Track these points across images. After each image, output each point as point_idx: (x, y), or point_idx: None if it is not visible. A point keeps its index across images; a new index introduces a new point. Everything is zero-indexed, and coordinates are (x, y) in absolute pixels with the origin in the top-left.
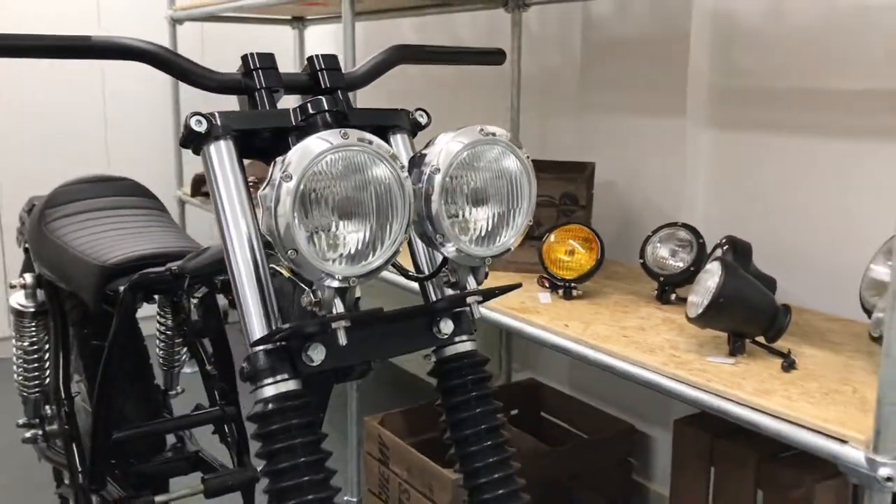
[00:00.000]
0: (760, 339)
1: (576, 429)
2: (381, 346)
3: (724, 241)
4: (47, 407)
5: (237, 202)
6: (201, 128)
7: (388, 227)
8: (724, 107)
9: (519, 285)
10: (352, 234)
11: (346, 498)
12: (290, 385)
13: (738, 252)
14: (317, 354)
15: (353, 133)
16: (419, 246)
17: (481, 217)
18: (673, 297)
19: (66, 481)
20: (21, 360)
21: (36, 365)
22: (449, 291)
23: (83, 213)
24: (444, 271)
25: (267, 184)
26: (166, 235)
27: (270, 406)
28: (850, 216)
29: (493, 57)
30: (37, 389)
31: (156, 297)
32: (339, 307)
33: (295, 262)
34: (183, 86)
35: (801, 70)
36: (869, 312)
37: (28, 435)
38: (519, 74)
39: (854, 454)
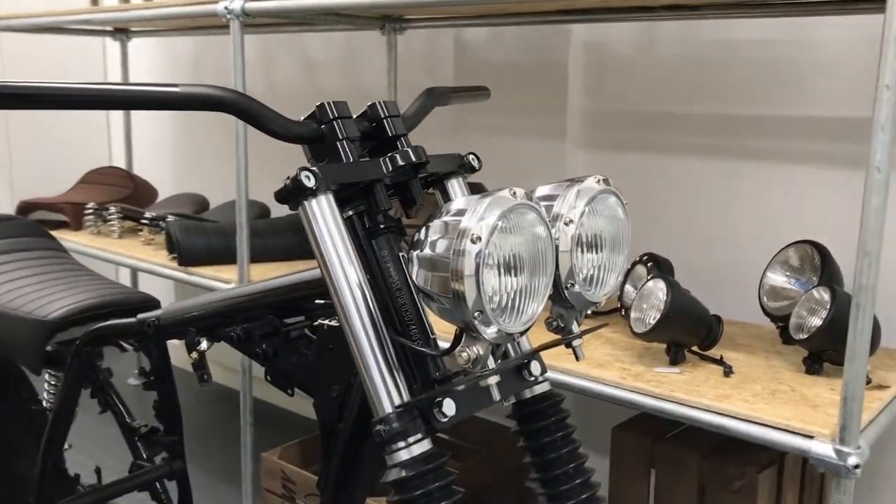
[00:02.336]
0: (694, 347)
1: (462, 441)
2: (486, 395)
3: (644, 257)
4: None
5: (345, 258)
6: (311, 183)
7: (539, 280)
8: (601, 130)
9: (606, 324)
10: (505, 291)
11: None
12: (425, 445)
13: (661, 268)
14: (449, 409)
15: (519, 192)
16: None
17: (589, 262)
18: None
19: None
20: None
21: None
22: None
23: None
24: (551, 315)
25: (429, 245)
26: (94, 282)
27: (407, 472)
28: (719, 227)
29: (481, 94)
30: None
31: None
32: (491, 363)
33: (480, 321)
34: None
35: (668, 96)
36: (772, 317)
37: None
38: (395, 98)
39: (823, 447)
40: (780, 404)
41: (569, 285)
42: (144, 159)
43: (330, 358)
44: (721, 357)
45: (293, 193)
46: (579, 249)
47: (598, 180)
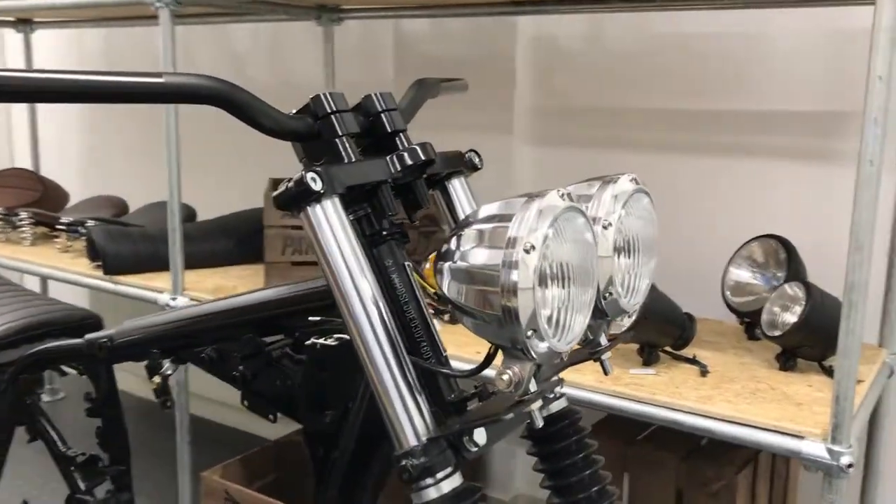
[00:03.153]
0: (667, 347)
1: None
2: (514, 419)
3: None
4: None
5: (357, 270)
6: (318, 186)
7: (586, 290)
8: (549, 125)
9: (632, 332)
10: (556, 304)
11: None
12: (456, 480)
13: None
14: (480, 438)
15: (567, 194)
16: None
17: (624, 268)
18: None
19: None
20: None
21: None
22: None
23: None
24: None
25: (462, 255)
26: (26, 299)
27: None
28: (672, 222)
29: (462, 85)
30: None
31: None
32: (533, 386)
33: (534, 338)
34: None
35: (619, 91)
36: (737, 312)
37: None
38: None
39: (815, 447)
40: (763, 404)
41: (606, 295)
42: (50, 160)
43: (324, 381)
44: (694, 356)
45: (297, 198)
46: (616, 254)
47: (632, 179)
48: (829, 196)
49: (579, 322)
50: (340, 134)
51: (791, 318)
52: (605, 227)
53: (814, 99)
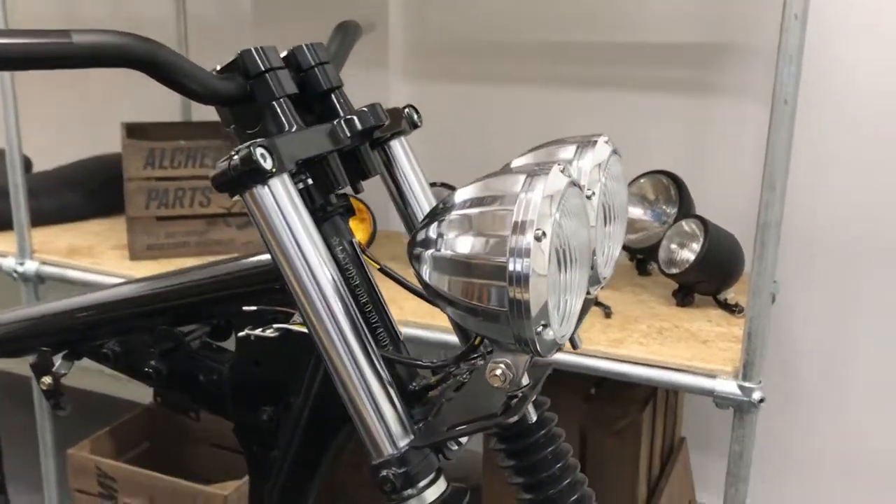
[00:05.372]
0: None
1: None
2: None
3: None
4: None
5: (314, 257)
6: (269, 164)
7: (584, 271)
8: (423, 59)
9: (595, 297)
10: (562, 291)
11: None
12: (441, 486)
13: None
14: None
15: (568, 169)
16: None
17: (605, 237)
18: None
19: None
20: None
21: None
22: None
23: None
24: None
25: (447, 243)
26: None
27: None
28: None
29: (370, 24)
30: None
31: None
32: (525, 379)
33: (542, 334)
34: None
35: (494, 24)
36: (629, 249)
37: None
38: (185, 32)
39: (728, 385)
40: (671, 343)
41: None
42: None
43: (259, 374)
44: (596, 297)
45: (242, 179)
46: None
47: (606, 140)
48: (706, 129)
49: (578, 306)
50: (277, 96)
51: (689, 255)
52: (588, 198)
53: (691, 31)
